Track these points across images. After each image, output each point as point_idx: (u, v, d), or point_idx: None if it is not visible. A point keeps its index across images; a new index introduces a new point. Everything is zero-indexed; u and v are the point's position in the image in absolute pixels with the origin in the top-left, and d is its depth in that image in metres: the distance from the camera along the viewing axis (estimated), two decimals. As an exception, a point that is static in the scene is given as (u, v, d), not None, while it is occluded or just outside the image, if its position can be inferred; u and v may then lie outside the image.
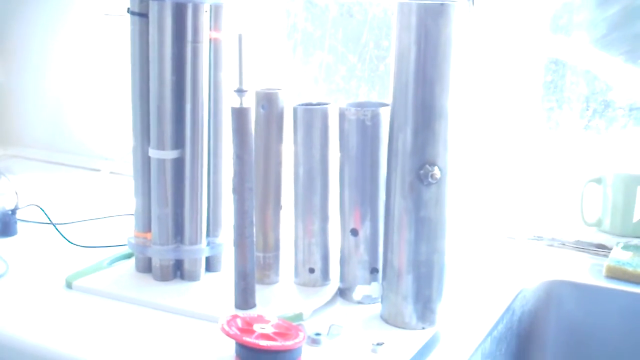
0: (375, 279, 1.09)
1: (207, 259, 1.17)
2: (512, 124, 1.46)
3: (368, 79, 1.58)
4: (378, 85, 1.57)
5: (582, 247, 1.33)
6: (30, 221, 1.40)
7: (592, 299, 1.20)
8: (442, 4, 0.95)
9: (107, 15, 1.68)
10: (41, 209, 1.40)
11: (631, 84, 1.39)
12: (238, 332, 0.90)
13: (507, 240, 1.37)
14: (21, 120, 1.95)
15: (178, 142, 1.12)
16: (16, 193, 1.42)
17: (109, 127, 1.80)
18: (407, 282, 1.01)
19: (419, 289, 1.01)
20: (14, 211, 1.37)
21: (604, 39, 1.39)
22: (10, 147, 1.94)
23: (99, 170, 1.78)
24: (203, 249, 1.14)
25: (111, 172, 1.75)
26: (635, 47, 1.38)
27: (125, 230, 1.26)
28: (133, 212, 1.18)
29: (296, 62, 1.65)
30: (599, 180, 1.35)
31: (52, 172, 1.80)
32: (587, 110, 1.41)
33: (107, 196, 1.59)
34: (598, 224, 1.36)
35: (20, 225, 1.37)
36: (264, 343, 0.88)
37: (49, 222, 1.37)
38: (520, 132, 1.46)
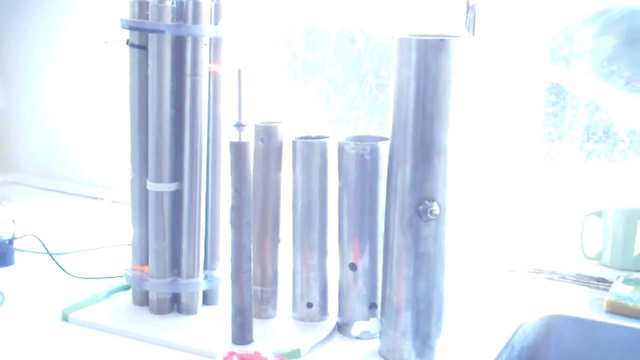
0: (373, 315, 1.08)
1: (205, 292, 1.16)
2: (512, 157, 1.45)
3: (368, 109, 1.58)
4: (377, 116, 1.57)
5: (582, 280, 1.32)
6: (28, 251, 1.39)
7: (592, 334, 1.19)
8: (442, 40, 0.95)
9: (107, 44, 1.68)
10: (38, 239, 1.39)
11: (632, 115, 1.38)
12: (234, 370, 0.89)
13: (507, 273, 1.36)
14: (20, 147, 1.95)
15: (176, 174, 1.12)
16: (13, 222, 1.41)
17: (108, 155, 1.79)
18: (406, 318, 1.00)
19: (418, 325, 1.01)
20: (11, 241, 1.37)
21: (604, 69, 1.39)
22: (8, 174, 1.93)
23: (97, 198, 1.78)
24: (200, 283, 1.14)
25: (113, 201, 1.75)
26: (635, 75, 1.38)
27: (123, 261, 1.25)
28: (130, 243, 1.17)
29: (296, 91, 1.65)
30: (599, 214, 1.34)
31: (51, 199, 1.80)
32: (588, 141, 1.41)
33: (107, 225, 1.58)
34: (598, 257, 1.35)
35: (17, 255, 1.37)
36: (260, 382, 0.87)
37: (47, 252, 1.36)
38: (520, 164, 1.45)
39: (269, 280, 1.13)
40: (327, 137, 1.10)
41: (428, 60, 0.95)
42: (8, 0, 1.87)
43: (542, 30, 1.41)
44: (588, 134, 1.41)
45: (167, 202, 1.12)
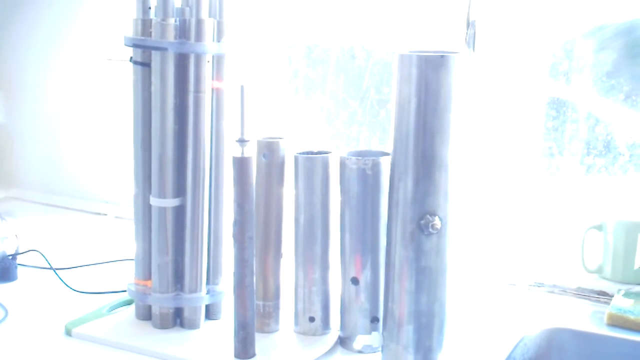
0: (375, 328, 1.08)
1: (207, 306, 1.17)
2: (513, 171, 1.46)
3: (369, 124, 1.59)
4: (379, 131, 1.58)
5: (583, 294, 1.33)
6: (31, 266, 1.40)
7: (593, 347, 1.19)
8: (442, 56, 0.96)
9: (110, 60, 1.69)
10: (41, 254, 1.40)
11: (632, 129, 1.39)
12: (238, 384, 0.89)
13: (508, 287, 1.36)
14: (22, 163, 1.96)
15: (179, 190, 1.13)
16: (16, 237, 1.42)
17: (111, 171, 1.80)
18: (408, 332, 1.01)
19: (420, 339, 1.01)
20: (14, 256, 1.37)
21: (604, 83, 1.40)
22: (10, 189, 1.94)
23: (100, 214, 1.79)
24: (203, 297, 1.14)
25: (116, 217, 1.75)
26: (634, 89, 1.39)
27: (126, 276, 1.26)
28: (134, 258, 1.18)
29: (297, 107, 1.66)
30: (599, 227, 1.35)
31: (54, 215, 1.80)
32: (588, 155, 1.42)
33: (110, 240, 1.59)
34: (599, 270, 1.35)
35: (20, 270, 1.37)
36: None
37: (49, 267, 1.37)
38: (521, 179, 1.46)
39: (272, 295, 1.13)
40: (329, 152, 1.11)
41: (428, 77, 0.96)
42: (8, 16, 1.89)
43: (542, 46, 1.42)
44: (588, 148, 1.42)
45: (170, 217, 1.13)
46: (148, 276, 1.16)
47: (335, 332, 1.13)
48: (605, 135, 1.41)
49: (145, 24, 1.11)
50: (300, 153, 1.10)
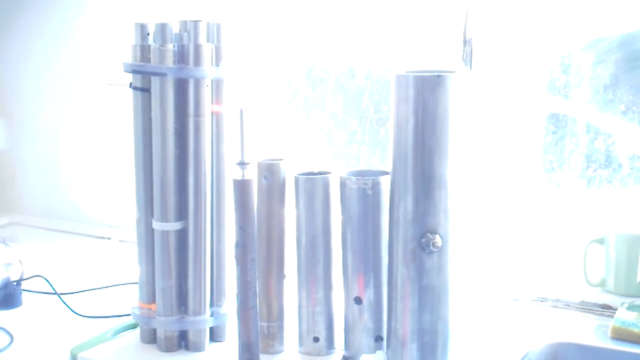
0: (380, 347, 1.09)
1: (211, 328, 1.17)
2: (513, 186, 1.46)
3: (369, 143, 1.59)
4: (379, 150, 1.58)
5: (586, 307, 1.33)
6: (35, 291, 1.40)
7: (598, 361, 1.19)
8: (438, 76, 0.96)
9: (110, 86, 1.70)
10: (46, 279, 1.40)
11: (632, 142, 1.40)
12: (243, 407, 0.90)
13: (511, 302, 1.36)
14: (24, 188, 1.96)
15: (181, 213, 1.13)
16: (20, 262, 1.42)
17: (114, 194, 1.81)
18: (412, 350, 1.01)
19: (424, 357, 1.01)
20: (18, 282, 1.38)
21: (603, 96, 1.40)
22: (13, 215, 1.95)
23: (104, 238, 1.79)
24: (207, 320, 1.15)
25: (120, 240, 1.76)
26: (634, 102, 1.40)
27: (130, 299, 1.26)
28: (137, 281, 1.18)
29: (297, 127, 1.66)
30: (601, 241, 1.35)
31: (57, 240, 1.81)
32: (588, 169, 1.42)
33: (114, 264, 1.60)
34: (602, 284, 1.36)
35: (25, 296, 1.38)
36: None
37: (54, 292, 1.38)
38: (522, 194, 1.46)
39: (275, 316, 1.14)
40: (329, 173, 1.11)
41: (425, 96, 0.97)
42: (6, 42, 1.90)
43: (540, 61, 1.43)
44: (588, 161, 1.42)
45: (172, 241, 1.13)
46: (152, 299, 1.16)
47: (339, 351, 1.13)
48: (605, 148, 1.41)
49: (144, 50, 1.12)
50: (300, 174, 1.11)
